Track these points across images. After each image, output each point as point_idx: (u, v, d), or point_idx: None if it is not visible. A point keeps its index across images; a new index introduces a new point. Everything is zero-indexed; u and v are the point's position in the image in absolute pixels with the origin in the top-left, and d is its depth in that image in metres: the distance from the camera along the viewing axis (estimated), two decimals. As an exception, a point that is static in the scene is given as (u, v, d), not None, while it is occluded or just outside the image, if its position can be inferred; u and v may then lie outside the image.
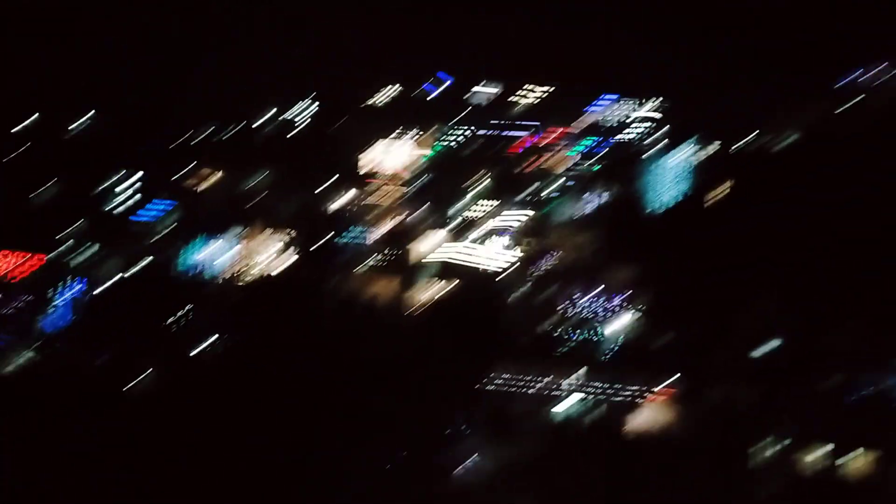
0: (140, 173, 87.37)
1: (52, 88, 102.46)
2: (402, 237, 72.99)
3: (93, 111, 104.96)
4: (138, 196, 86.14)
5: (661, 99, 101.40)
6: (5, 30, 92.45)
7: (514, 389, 48.81)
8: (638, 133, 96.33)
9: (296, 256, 72.71)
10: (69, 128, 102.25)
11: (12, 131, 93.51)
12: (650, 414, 47.65)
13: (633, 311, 53.94)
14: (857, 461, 41.42)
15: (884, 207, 52.41)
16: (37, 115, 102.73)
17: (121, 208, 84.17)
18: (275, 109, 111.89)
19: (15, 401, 42.54)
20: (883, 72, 72.65)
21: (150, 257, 73.92)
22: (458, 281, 62.41)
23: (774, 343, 48.96)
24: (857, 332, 46.46)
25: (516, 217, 78.46)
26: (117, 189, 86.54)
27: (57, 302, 64.83)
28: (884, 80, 72.51)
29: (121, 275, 69.51)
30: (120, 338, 53.76)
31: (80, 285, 66.29)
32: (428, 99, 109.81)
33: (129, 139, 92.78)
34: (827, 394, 45.10)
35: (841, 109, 72.09)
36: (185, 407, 40.56)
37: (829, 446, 42.59)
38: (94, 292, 64.93)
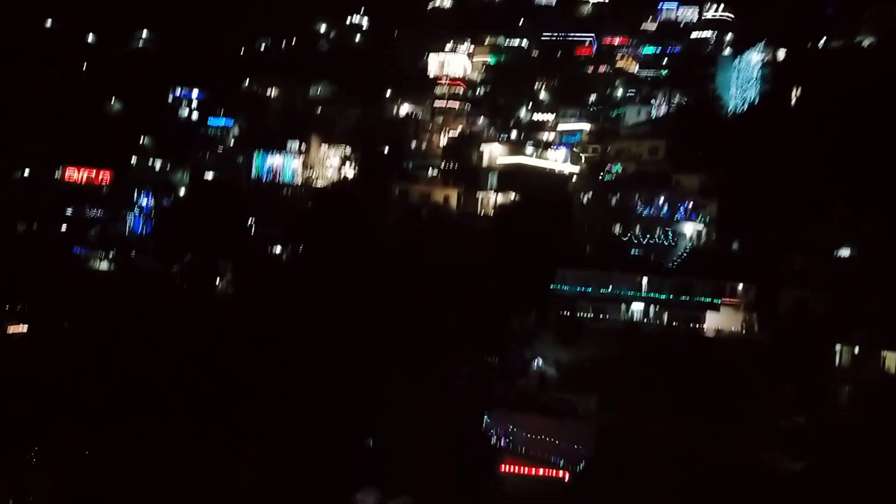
0: (197, 90, 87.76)
1: (106, 8, 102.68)
2: (463, 146, 72.21)
3: (144, 31, 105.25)
4: (198, 112, 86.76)
5: (721, 4, 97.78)
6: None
7: (581, 294, 48.74)
8: (701, 39, 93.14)
9: (356, 168, 72.74)
10: (127, 47, 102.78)
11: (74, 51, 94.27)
12: (719, 320, 47.37)
13: (702, 218, 53.09)
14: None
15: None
16: (92, 34, 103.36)
17: (183, 124, 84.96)
18: (324, 25, 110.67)
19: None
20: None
21: (214, 171, 74.86)
22: (523, 189, 61.85)
23: (847, 251, 48.02)
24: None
25: (581, 124, 76.96)
26: (178, 105, 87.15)
27: (128, 214, 66.23)
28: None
29: (187, 187, 70.61)
30: (194, 246, 54.85)
31: (147, 198, 67.53)
32: (482, 9, 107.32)
33: (185, 56, 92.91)
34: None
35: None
36: (263, 309, 41.33)
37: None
38: (164, 204, 66.06)
